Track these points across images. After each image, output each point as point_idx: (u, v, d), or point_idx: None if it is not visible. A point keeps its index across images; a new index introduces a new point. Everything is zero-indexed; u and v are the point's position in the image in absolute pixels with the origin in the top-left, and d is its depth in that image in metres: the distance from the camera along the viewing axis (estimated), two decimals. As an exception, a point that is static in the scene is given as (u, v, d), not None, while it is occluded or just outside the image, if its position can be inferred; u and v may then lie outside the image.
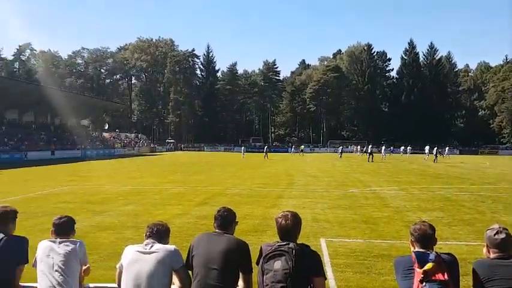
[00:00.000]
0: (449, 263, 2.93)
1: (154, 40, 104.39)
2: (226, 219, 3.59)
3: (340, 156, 52.12)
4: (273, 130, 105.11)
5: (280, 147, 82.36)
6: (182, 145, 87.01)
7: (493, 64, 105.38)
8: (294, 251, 2.97)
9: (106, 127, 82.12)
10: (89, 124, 76.17)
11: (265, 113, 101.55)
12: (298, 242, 3.13)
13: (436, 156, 45.35)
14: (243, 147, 58.37)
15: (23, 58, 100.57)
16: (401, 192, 17.36)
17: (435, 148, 47.49)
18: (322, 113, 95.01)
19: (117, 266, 3.45)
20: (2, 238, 3.31)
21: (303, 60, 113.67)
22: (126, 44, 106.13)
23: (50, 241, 3.48)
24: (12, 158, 38.97)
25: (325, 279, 3.14)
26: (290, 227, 3.13)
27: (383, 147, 51.50)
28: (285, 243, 3.05)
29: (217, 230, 3.54)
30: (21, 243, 3.40)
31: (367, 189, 18.39)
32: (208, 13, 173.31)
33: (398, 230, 9.75)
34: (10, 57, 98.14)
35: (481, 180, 22.99)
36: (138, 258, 3.31)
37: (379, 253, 7.72)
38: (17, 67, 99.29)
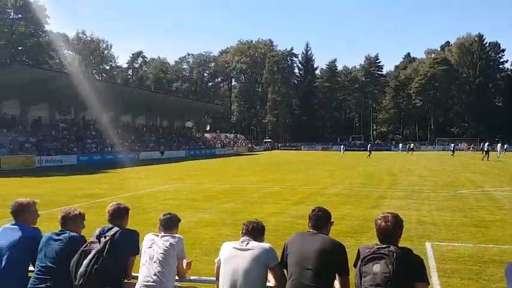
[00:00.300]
0: None
1: (254, 42, 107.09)
2: (320, 219, 3.53)
3: (452, 155, 48.66)
4: (374, 127, 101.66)
5: (382, 146, 79.15)
6: (279, 144, 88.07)
7: None
8: (394, 254, 2.84)
9: (207, 128, 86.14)
10: (192, 126, 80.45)
11: (366, 110, 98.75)
12: (399, 245, 2.99)
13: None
14: (342, 146, 57.53)
15: (136, 66, 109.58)
16: (518, 193, 15.69)
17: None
18: (429, 109, 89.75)
19: (216, 260, 3.61)
20: (117, 231, 3.61)
21: (408, 53, 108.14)
22: (227, 48, 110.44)
23: (154, 234, 3.73)
24: (126, 158, 42.62)
25: (429, 284, 2.95)
26: (390, 229, 3.00)
27: (498, 145, 46.87)
28: (385, 246, 2.93)
29: (311, 230, 3.50)
30: (132, 236, 3.67)
31: (479, 190, 16.91)
32: (306, 11, 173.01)
33: (513, 234, 8.83)
34: (124, 65, 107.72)
35: None
36: (234, 255, 3.42)
37: (490, 258, 7.08)
38: (131, 74, 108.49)
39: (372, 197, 15.15)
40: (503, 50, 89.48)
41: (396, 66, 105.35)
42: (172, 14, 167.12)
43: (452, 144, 55.17)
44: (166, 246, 3.58)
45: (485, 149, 42.18)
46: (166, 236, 3.68)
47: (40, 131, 38.93)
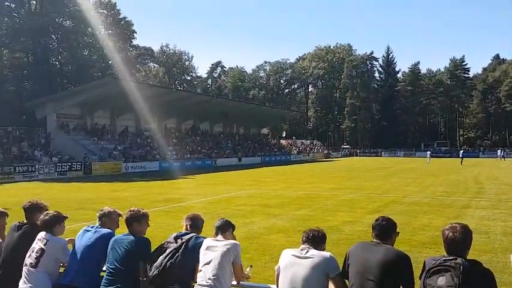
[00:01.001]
0: None
1: (332, 47, 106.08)
2: (384, 229, 3.39)
3: None
4: (461, 133, 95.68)
5: (469, 152, 74.11)
6: (358, 150, 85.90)
7: None
8: (461, 267, 2.68)
9: (283, 135, 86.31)
10: (268, 132, 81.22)
11: (451, 115, 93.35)
12: (468, 257, 2.83)
13: None
14: (428, 152, 55.34)
15: (215, 75, 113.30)
16: None
17: None
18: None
19: (276, 268, 3.60)
20: (193, 236, 3.86)
21: (497, 54, 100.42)
22: (305, 54, 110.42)
23: (212, 239, 3.80)
24: (204, 164, 44.10)
25: None
26: (458, 240, 2.85)
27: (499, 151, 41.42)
28: (451, 257, 2.78)
29: (375, 240, 3.38)
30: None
31: None
32: (385, 13, 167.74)
33: None
34: (204, 75, 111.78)
35: None
36: (294, 262, 3.39)
37: None
38: (210, 83, 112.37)
39: (456, 206, 14.30)
40: None
41: (484, 69, 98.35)
42: (249, 23, 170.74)
43: None
44: (222, 251, 3.62)
45: None
46: (221, 241, 3.74)
47: (127, 140, 41.59)
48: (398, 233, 3.49)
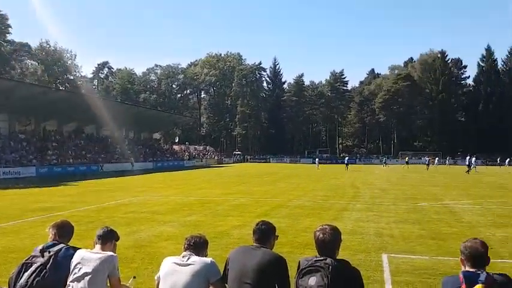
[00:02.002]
0: (502, 286, 2.67)
1: (222, 55, 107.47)
2: (264, 233, 3.48)
3: (428, 169, 50.17)
4: (340, 141, 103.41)
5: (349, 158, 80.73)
6: (249, 156, 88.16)
7: None
8: (330, 267, 2.82)
9: (176, 140, 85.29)
10: (160, 137, 79.49)
11: (332, 124, 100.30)
12: (341, 257, 3.01)
13: (473, 166, 43.14)
14: (317, 159, 58.95)
15: (101, 76, 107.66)
16: (476, 206, 16.21)
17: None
18: (392, 124, 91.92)
19: (155, 277, 3.48)
20: (62, 248, 3.54)
21: (372, 69, 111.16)
22: (196, 60, 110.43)
23: (87, 251, 3.52)
24: (89, 170, 41.62)
25: None
26: (328, 241, 3.00)
27: (473, 159, 47.64)
28: (322, 258, 2.91)
29: (254, 244, 3.45)
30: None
31: (439, 203, 17.37)
32: (274, 26, 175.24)
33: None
34: (89, 75, 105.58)
35: None
36: (174, 270, 3.33)
37: (445, 271, 7.18)
38: (96, 84, 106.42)
39: (334, 209, 15.32)
40: (465, 66, 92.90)
41: (361, 82, 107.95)
42: (139, 25, 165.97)
43: (428, 158, 57.77)
44: (95, 265, 3.35)
45: (467, 163, 44.09)
46: (97, 253, 3.47)
47: (-2, 142, 37.53)
48: (278, 236, 3.60)
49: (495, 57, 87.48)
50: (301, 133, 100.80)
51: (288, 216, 13.50)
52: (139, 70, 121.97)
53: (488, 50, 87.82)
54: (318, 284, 2.79)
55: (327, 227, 3.07)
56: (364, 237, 10.09)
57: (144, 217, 13.21)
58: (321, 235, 3.02)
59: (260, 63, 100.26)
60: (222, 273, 3.39)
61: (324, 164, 65.26)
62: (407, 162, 61.99)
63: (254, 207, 15.73)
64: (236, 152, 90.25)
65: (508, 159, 62.48)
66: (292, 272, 3.18)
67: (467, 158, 44.93)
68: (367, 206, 16.28)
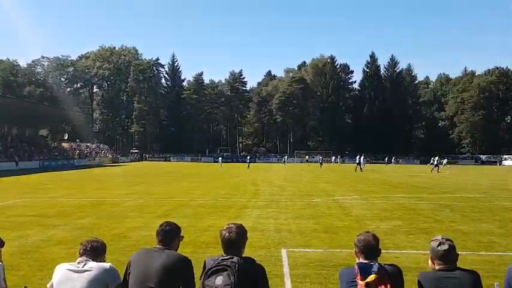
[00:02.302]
0: (392, 275, 2.89)
1: (117, 48, 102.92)
2: (168, 234, 3.37)
3: (321, 167, 52.95)
4: (240, 140, 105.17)
5: (246, 157, 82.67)
6: (147, 155, 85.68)
7: (452, 76, 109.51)
8: (236, 266, 2.83)
9: (65, 137, 79.63)
10: (47, 134, 73.68)
11: (232, 123, 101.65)
12: (244, 255, 3.03)
13: (363, 165, 47.31)
14: (220, 158, 58.98)
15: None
16: (362, 201, 17.56)
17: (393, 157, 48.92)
18: (288, 124, 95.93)
19: (48, 285, 3.22)
20: None
21: (269, 71, 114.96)
22: (88, 52, 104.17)
23: None
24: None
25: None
26: (234, 240, 3.01)
27: (362, 158, 51.47)
28: (228, 257, 2.91)
29: (158, 246, 3.33)
30: None
31: (331, 198, 18.51)
32: (173, 22, 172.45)
33: (358, 239, 9.75)
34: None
35: (440, 190, 23.57)
36: (69, 277, 3.10)
37: (337, 262, 7.67)
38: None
39: (236, 207, 15.53)
40: (352, 72, 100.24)
41: (259, 83, 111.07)
42: (22, 14, 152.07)
43: (320, 157, 61.37)
44: None
45: (357, 161, 47.49)
46: None
47: None
48: (183, 237, 3.52)
49: (378, 64, 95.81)
50: (202, 131, 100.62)
51: (190, 215, 13.38)
52: (23, 62, 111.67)
53: (372, 56, 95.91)
54: (225, 283, 2.77)
55: (232, 225, 3.08)
56: (264, 234, 10.36)
57: (31, 221, 12.14)
58: (227, 234, 3.02)
59: (158, 59, 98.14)
60: (122, 278, 3.23)
61: (225, 162, 65.92)
62: (307, 161, 65.32)
63: (154, 207, 15.31)
64: (133, 151, 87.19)
65: (393, 158, 69.26)
66: (198, 272, 3.12)
67: (357, 157, 48.65)
68: (267, 203, 16.75)
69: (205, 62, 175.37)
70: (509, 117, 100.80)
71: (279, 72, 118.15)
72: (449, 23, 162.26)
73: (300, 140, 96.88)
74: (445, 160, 62.49)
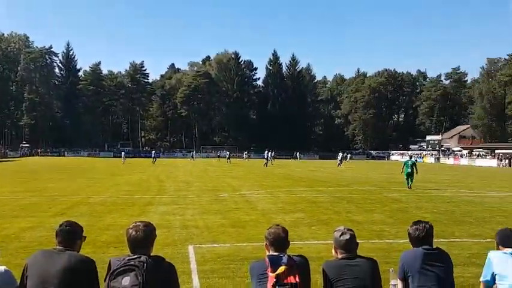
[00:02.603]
0: (300, 265, 3.02)
1: (6, 35, 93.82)
2: (69, 235, 3.17)
3: (229, 162, 53.90)
4: (143, 134, 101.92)
5: (150, 152, 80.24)
6: (39, 150, 79.30)
7: (347, 77, 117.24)
8: (145, 265, 2.73)
9: None
10: None
11: (134, 117, 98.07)
12: (152, 254, 2.93)
13: (270, 160, 49.37)
14: (123, 153, 56.24)
15: None
16: (267, 195, 18.06)
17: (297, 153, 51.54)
18: (193, 118, 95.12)
19: None
20: None
21: (173, 64, 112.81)
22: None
23: None
24: None
25: None
26: (141, 239, 2.89)
27: (269, 153, 52.78)
28: (135, 256, 2.79)
29: (58, 247, 3.11)
30: None
31: (237, 193, 18.75)
32: (67, 11, 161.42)
33: (264, 232, 9.97)
34: None
35: (338, 183, 25.14)
36: None
37: (245, 256, 7.77)
38: None
39: (139, 204, 15.01)
40: (256, 69, 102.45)
41: (162, 76, 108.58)
42: None
43: (228, 152, 62.16)
44: None
45: (266, 156, 48.77)
46: None
47: None
48: (85, 237, 3.35)
49: (280, 62, 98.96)
50: (101, 125, 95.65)
51: (89, 214, 12.65)
52: None
53: (275, 54, 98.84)
54: (132, 284, 2.66)
55: (140, 223, 2.97)
56: (170, 231, 10.16)
57: None
58: (134, 232, 2.90)
59: (51, 47, 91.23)
60: (19, 282, 2.99)
61: (128, 158, 63.45)
62: (219, 156, 65.59)
63: (48, 205, 14.21)
64: (23, 145, 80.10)
65: (298, 153, 72.62)
66: (101, 274, 2.99)
67: (266, 152, 50.17)
68: (173, 199, 16.47)
69: (104, 52, 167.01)
70: (396, 116, 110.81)
71: (183, 66, 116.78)
72: (344, 26, 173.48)
73: (206, 135, 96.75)
74: (349, 156, 67.02)
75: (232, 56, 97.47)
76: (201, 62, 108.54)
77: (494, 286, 3.33)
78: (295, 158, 73.68)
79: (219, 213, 12.88)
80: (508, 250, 3.35)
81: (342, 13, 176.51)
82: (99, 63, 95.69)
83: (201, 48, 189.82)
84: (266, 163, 47.09)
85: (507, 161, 61.98)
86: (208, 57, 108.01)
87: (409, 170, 21.83)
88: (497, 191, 21.45)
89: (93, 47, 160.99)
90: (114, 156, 71.31)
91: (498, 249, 3.46)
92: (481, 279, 3.45)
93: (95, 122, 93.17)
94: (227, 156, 58.95)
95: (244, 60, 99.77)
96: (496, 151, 69.04)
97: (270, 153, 50.44)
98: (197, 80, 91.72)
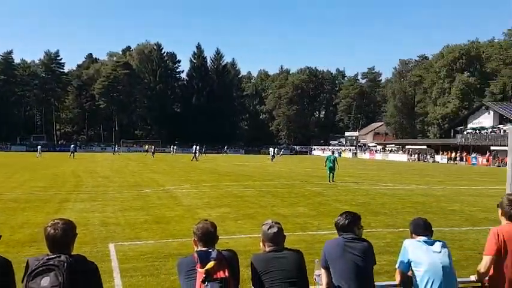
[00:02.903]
0: (229, 260, 3.04)
1: None
2: None
3: (153, 156, 52.89)
4: (58, 127, 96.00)
5: (66, 146, 75.68)
6: None
7: (271, 73, 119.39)
8: (65, 265, 2.58)
9: None
10: None
11: (48, 108, 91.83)
12: (74, 252, 2.79)
13: (198, 155, 49.58)
14: (39, 147, 52.39)
15: None
16: (193, 190, 17.87)
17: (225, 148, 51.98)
18: (113, 111, 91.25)
19: None
20: None
21: (90, 53, 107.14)
22: None
23: None
24: None
25: None
26: (60, 237, 2.73)
27: (197, 147, 52.56)
28: (55, 256, 2.63)
29: None
30: None
31: (161, 188, 18.32)
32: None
33: (189, 228, 9.76)
34: None
35: (263, 177, 25.53)
36: None
37: (169, 253, 7.64)
38: None
39: (55, 200, 14.15)
40: (179, 61, 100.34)
41: (79, 66, 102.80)
42: None
43: (148, 146, 61.97)
44: None
45: (194, 151, 48.78)
46: None
47: None
48: (0, 236, 3.21)
49: (205, 55, 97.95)
50: (13, 116, 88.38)
51: (0, 211, 11.73)
52: None
53: (199, 48, 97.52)
54: (52, 284, 2.52)
55: (58, 221, 2.81)
56: (89, 228, 9.69)
57: None
58: (52, 231, 2.73)
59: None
60: None
61: (43, 152, 59.43)
62: (146, 151, 63.69)
63: None
64: None
65: (226, 147, 73.09)
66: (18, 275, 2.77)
67: (194, 146, 50.13)
68: (91, 195, 15.70)
69: (17, 40, 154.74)
70: (317, 112, 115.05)
71: (102, 56, 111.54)
72: (270, 23, 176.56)
73: (127, 128, 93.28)
74: (282, 151, 68.54)
75: (154, 47, 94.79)
76: (121, 52, 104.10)
77: (409, 272, 3.52)
78: (225, 152, 73.90)
79: (142, 210, 12.49)
80: (421, 238, 3.56)
81: (264, 9, 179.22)
82: (11, 51, 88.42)
83: (121, 38, 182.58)
84: (195, 157, 46.86)
85: (416, 155, 66.92)
86: (129, 47, 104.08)
87: (331, 165, 22.91)
88: (407, 184, 23.06)
89: (4, 34, 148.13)
90: (27, 150, 66.48)
91: (412, 237, 3.66)
92: (397, 266, 3.62)
93: (7, 113, 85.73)
94: (151, 151, 57.71)
95: (167, 52, 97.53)
96: (407, 147, 74.38)
97: (198, 147, 50.43)
98: (117, 70, 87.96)
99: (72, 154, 48.28)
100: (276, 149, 56.65)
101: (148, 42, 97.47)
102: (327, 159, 23.73)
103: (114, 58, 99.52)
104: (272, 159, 49.71)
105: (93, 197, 15.12)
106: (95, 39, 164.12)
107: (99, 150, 78.21)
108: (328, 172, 23.05)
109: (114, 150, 66.02)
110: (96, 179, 22.65)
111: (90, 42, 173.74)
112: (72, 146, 53.77)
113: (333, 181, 22.38)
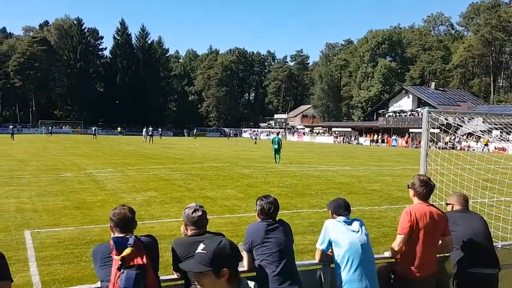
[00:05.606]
0: (148, 245, 2.98)
1: None
2: None
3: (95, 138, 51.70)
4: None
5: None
6: None
7: (199, 53, 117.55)
8: None
9: None
10: None
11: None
12: None
13: (151, 137, 48.82)
14: None
15: None
16: (117, 174, 17.19)
17: (150, 129, 51.19)
18: (30, 90, 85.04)
19: None
20: None
21: (4, 28, 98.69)
22: None
23: None
24: None
25: (12, 281, 2.68)
26: None
27: (144, 130, 51.80)
28: None
29: None
30: None
31: (82, 172, 17.43)
32: None
33: (113, 213, 9.50)
34: None
35: (191, 160, 25.20)
36: None
37: (91, 239, 7.32)
38: None
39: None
40: (101, 37, 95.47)
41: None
42: None
43: (73, 129, 56.70)
44: None
45: (150, 134, 49.21)
46: None
47: None
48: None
49: (129, 32, 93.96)
50: None
51: None
52: None
53: (123, 24, 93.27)
54: None
55: None
56: (2, 215, 9.03)
57: None
58: None
59: None
60: None
61: None
62: (78, 131, 60.45)
63: None
64: None
65: (144, 129, 70.55)
66: None
67: (149, 128, 49.74)
68: (5, 180, 14.56)
69: None
70: (247, 94, 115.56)
71: (17, 31, 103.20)
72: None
73: (45, 109, 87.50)
74: (195, 131, 68.11)
75: (74, 22, 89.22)
76: (38, 27, 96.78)
77: (329, 251, 3.62)
78: (160, 135, 71.64)
79: (61, 195, 11.81)
80: (341, 218, 3.66)
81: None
82: None
83: (37, 12, 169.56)
84: (151, 140, 47.02)
85: (341, 138, 69.80)
86: (47, 22, 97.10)
87: (276, 146, 23.81)
88: (332, 165, 23.98)
89: None
90: None
91: (333, 217, 3.75)
92: (317, 245, 3.68)
93: None
94: (93, 132, 56.29)
95: (88, 28, 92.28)
96: (333, 129, 77.21)
97: (149, 129, 50.24)
98: (33, 47, 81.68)
99: (12, 136, 45.57)
100: (255, 132, 57.79)
101: (67, 17, 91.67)
102: (272, 141, 24.89)
103: (31, 33, 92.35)
104: (255, 142, 51.21)
105: (7, 182, 14.05)
106: (9, 12, 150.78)
107: (15, 132, 72.63)
108: (274, 153, 24.10)
109: (50, 132, 62.27)
110: (10, 162, 21.06)
111: (4, 16, 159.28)
112: (11, 126, 50.89)
113: (278, 162, 23.22)
